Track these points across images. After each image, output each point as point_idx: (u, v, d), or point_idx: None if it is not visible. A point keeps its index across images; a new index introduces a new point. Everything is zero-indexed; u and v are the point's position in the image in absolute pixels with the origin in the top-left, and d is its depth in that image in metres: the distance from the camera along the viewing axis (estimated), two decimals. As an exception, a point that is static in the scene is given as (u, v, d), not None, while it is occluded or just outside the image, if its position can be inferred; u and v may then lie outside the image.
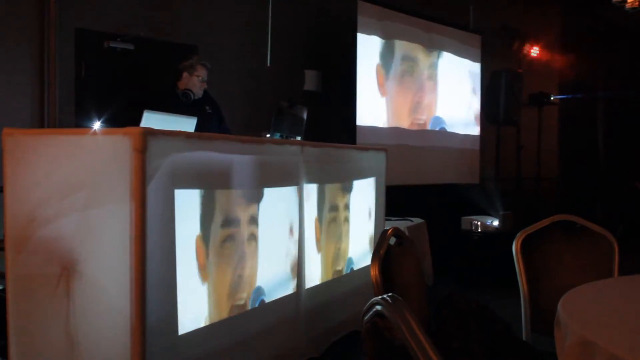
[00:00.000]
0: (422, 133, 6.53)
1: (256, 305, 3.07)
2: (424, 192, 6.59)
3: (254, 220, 3.04)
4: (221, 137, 2.92)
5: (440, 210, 6.60)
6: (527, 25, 8.22)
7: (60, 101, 4.37)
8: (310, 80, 5.95)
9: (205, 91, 4.32)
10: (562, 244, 2.72)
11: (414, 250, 2.32)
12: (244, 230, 2.97)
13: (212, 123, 4.25)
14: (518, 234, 2.69)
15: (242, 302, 2.95)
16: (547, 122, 9.05)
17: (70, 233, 2.33)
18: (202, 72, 4.23)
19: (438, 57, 6.79)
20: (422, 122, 6.54)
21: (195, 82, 4.21)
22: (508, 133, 8.27)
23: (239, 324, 2.91)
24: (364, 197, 4.34)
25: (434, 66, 6.71)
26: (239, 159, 2.91)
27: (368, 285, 2.02)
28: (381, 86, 6.03)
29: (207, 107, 4.32)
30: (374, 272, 1.86)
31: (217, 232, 2.79)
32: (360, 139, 5.68)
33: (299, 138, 3.97)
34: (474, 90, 7.39)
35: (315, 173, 3.62)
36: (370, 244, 4.38)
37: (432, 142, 6.67)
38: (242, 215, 2.95)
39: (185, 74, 4.22)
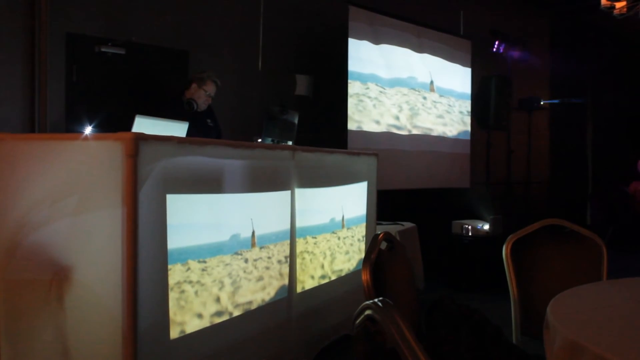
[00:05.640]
0: (413, 137, 6.56)
1: (249, 310, 3.07)
2: (414, 197, 6.62)
3: (245, 226, 3.04)
4: (212, 142, 2.94)
5: (431, 215, 6.63)
6: (516, 31, 8.28)
7: (51, 106, 4.36)
8: (302, 85, 5.96)
9: (209, 106, 4.42)
10: (551, 248, 2.74)
11: (405, 254, 2.34)
12: (236, 235, 2.97)
13: (210, 136, 4.37)
14: (508, 238, 2.71)
15: (234, 307, 2.95)
16: (537, 126, 9.12)
17: (61, 238, 2.32)
18: (210, 88, 4.38)
19: (428, 62, 6.82)
20: (412, 126, 6.56)
21: (201, 94, 4.36)
22: (498, 137, 8.32)
23: (231, 328, 2.91)
24: (355, 201, 4.36)
25: (424, 71, 6.74)
26: (230, 164, 2.91)
27: (359, 290, 2.03)
28: (372, 91, 6.05)
29: (208, 120, 4.47)
30: (365, 277, 1.87)
31: (209, 237, 2.79)
32: (351, 143, 5.70)
33: (290, 143, 3.98)
34: (464, 95, 7.44)
35: (307, 178, 3.63)
36: (361, 248, 4.39)
37: (422, 146, 6.70)
38: (234, 220, 2.96)
39: (194, 85, 4.36)
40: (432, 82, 6.83)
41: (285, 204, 3.44)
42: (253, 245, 3.08)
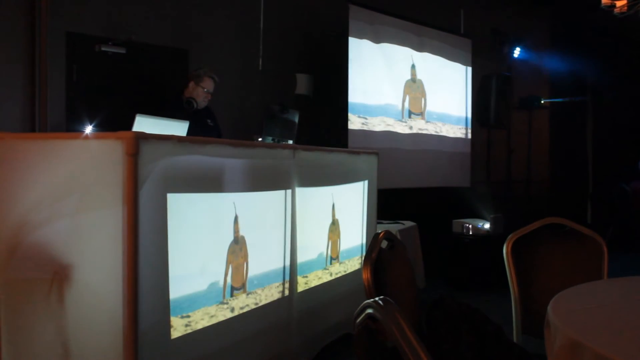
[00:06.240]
0: (413, 136, 6.56)
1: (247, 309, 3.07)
2: (415, 196, 6.61)
3: (246, 225, 3.04)
4: (213, 141, 2.93)
5: (431, 214, 6.62)
6: (517, 30, 8.28)
7: (52, 105, 4.35)
8: (302, 84, 5.96)
9: (208, 107, 4.42)
10: (552, 247, 2.74)
11: (405, 253, 2.34)
12: (235, 235, 2.97)
13: (211, 136, 4.33)
14: (509, 237, 2.72)
15: (233, 306, 2.95)
16: (537, 125, 9.11)
17: (61, 237, 2.32)
18: (208, 84, 4.36)
19: (429, 61, 6.82)
20: (413, 125, 6.56)
21: (200, 92, 4.35)
22: (498, 136, 8.32)
23: (231, 328, 2.91)
24: (355, 200, 4.36)
25: (424, 70, 6.74)
26: (231, 163, 2.91)
27: (360, 289, 2.03)
28: (372, 90, 6.05)
29: (209, 120, 4.46)
30: (366, 276, 1.87)
31: (208, 237, 2.79)
32: (351, 142, 5.70)
33: (290, 142, 3.98)
34: (464, 94, 7.43)
35: (307, 177, 3.63)
36: (362, 247, 4.39)
37: (423, 145, 6.70)
38: (234, 219, 2.96)
39: (191, 83, 4.35)
40: (413, 67, 6.64)
41: (286, 202, 3.44)
42: (236, 232, 3.01)
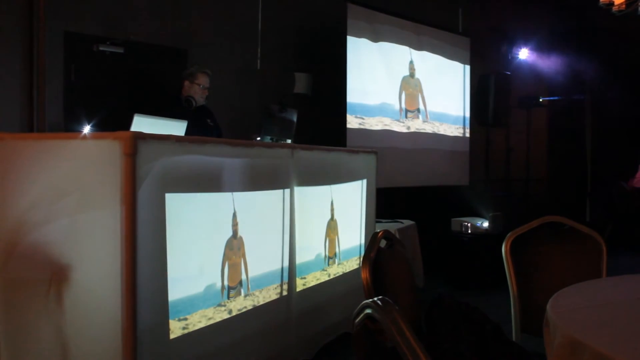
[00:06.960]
0: (412, 135, 6.55)
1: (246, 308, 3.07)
2: (414, 194, 6.61)
3: (244, 224, 3.04)
4: (211, 141, 2.93)
5: (430, 212, 6.62)
6: (515, 28, 8.27)
7: (50, 105, 4.35)
8: (301, 83, 5.95)
9: (207, 107, 4.46)
10: (551, 245, 2.74)
11: (404, 252, 2.34)
12: (234, 234, 2.97)
13: (211, 136, 4.36)
14: (507, 235, 2.71)
15: (231, 308, 2.95)
16: (536, 124, 9.11)
17: (60, 238, 2.32)
18: (203, 80, 4.36)
19: (427, 59, 6.82)
20: (411, 124, 6.56)
21: (196, 89, 4.36)
22: (497, 135, 8.31)
23: (230, 327, 2.91)
24: (354, 199, 4.35)
25: (423, 69, 6.73)
26: (229, 163, 2.91)
27: (359, 288, 2.03)
28: (370, 89, 6.04)
29: (208, 120, 4.46)
30: (365, 275, 1.87)
31: (206, 237, 2.79)
32: (350, 141, 5.69)
33: (289, 141, 3.98)
34: (463, 93, 7.43)
35: (306, 176, 3.63)
36: (360, 246, 4.39)
37: (421, 144, 6.69)
38: (232, 219, 2.95)
39: (186, 83, 4.36)
40: (411, 62, 6.63)
41: (285, 201, 3.44)
42: (235, 226, 2.99)
